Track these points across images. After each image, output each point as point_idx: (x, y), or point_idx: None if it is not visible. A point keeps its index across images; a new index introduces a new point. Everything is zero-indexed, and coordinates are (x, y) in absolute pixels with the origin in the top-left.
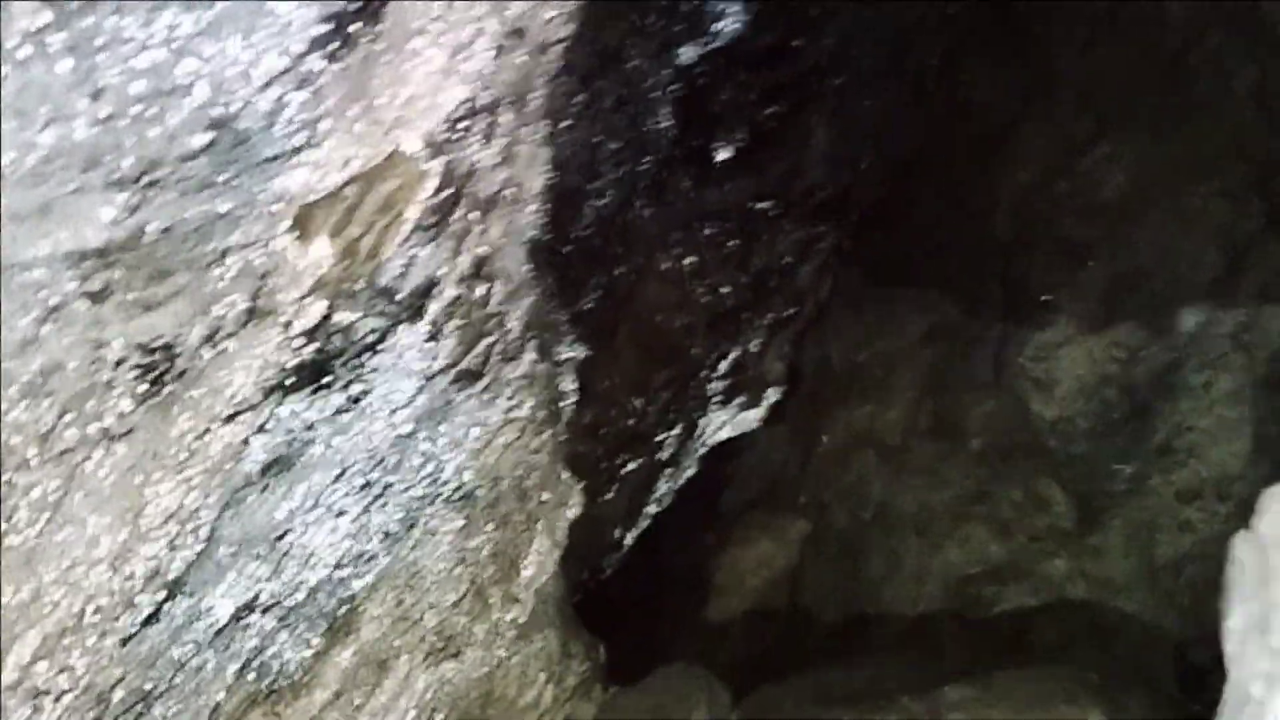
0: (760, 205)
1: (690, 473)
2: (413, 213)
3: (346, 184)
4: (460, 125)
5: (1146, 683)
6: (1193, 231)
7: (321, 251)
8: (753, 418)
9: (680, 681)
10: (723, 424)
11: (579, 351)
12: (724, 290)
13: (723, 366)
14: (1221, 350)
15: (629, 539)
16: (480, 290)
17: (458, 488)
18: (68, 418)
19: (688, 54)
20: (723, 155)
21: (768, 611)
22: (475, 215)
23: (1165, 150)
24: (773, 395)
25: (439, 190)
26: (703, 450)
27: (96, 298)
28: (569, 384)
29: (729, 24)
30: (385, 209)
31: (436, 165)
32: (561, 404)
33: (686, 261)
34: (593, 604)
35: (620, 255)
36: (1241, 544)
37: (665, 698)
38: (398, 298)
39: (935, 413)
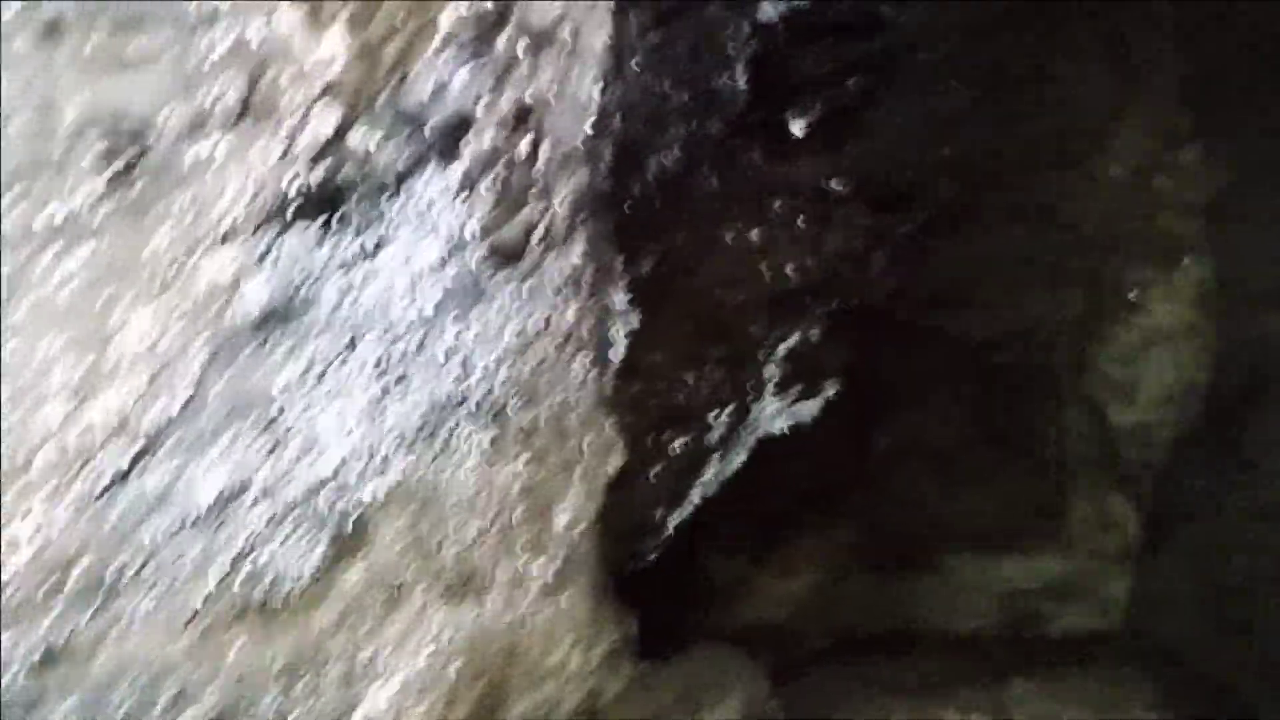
0: (834, 186)
1: (740, 461)
2: (448, 20)
3: None
4: None
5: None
6: None
7: (335, 46)
8: (807, 411)
9: (715, 662)
10: (777, 412)
11: (631, 314)
12: (789, 270)
13: (781, 350)
14: None
15: (671, 522)
16: (524, 145)
17: (487, 393)
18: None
19: (769, 10)
20: (797, 127)
21: (808, 618)
22: (524, 45)
23: (1276, 144)
24: (830, 389)
25: None
26: (753, 440)
27: (46, 34)
28: (619, 337)
29: None
30: (416, 8)
31: None
32: (609, 352)
33: (753, 235)
34: (627, 588)
35: (683, 221)
36: None
37: (697, 678)
38: (426, 127)
39: (1002, 420)
